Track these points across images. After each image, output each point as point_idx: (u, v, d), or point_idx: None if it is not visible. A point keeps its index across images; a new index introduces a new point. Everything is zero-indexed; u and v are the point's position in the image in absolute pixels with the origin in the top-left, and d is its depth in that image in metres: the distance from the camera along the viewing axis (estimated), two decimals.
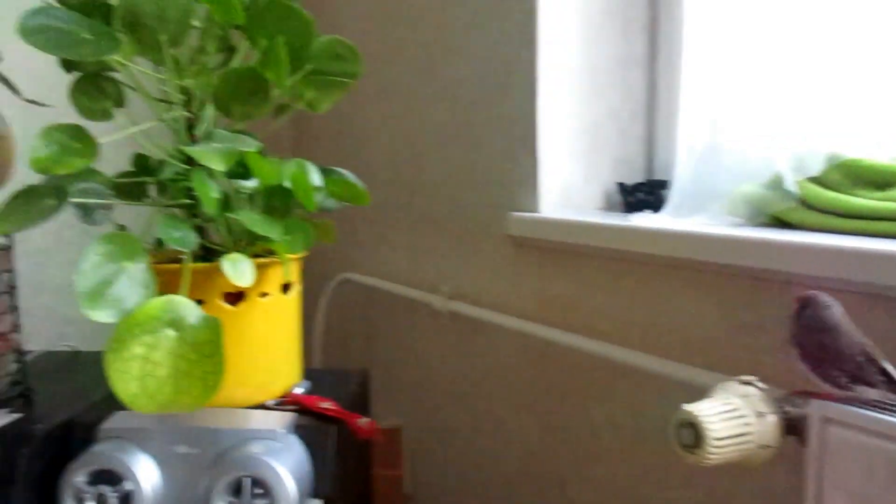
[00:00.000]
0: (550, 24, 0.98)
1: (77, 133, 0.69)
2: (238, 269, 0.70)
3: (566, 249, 0.95)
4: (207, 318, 0.67)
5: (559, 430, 1.00)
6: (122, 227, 0.76)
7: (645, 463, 0.89)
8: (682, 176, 0.88)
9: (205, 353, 0.66)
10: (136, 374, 0.65)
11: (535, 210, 0.99)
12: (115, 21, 0.71)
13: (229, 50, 0.83)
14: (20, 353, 0.81)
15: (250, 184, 0.81)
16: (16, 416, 0.77)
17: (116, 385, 0.64)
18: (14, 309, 0.80)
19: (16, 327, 0.80)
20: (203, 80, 0.79)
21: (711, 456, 0.58)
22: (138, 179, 0.79)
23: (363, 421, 0.74)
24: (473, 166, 1.10)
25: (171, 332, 0.66)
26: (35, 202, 0.69)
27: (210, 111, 0.79)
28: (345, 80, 0.82)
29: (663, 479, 0.86)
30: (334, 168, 0.85)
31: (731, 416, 0.60)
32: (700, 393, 0.67)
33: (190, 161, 0.78)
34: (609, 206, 1.04)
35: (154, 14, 0.71)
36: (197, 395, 0.66)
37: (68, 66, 0.80)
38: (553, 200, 0.99)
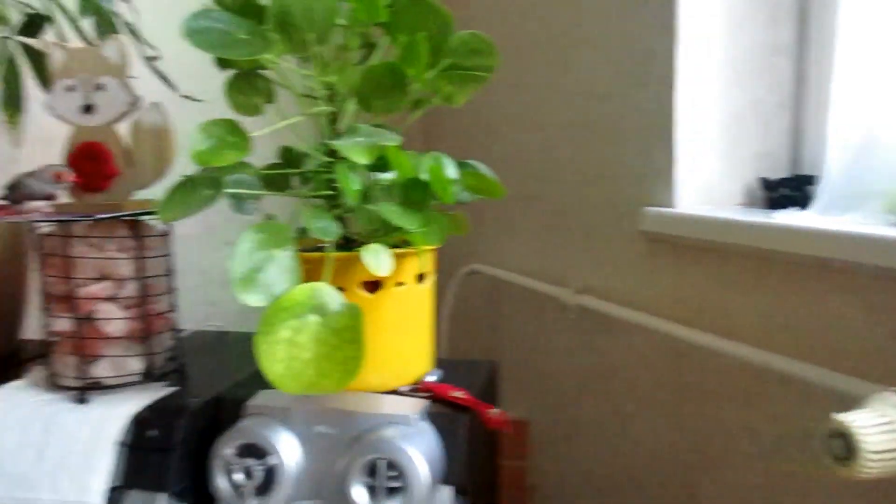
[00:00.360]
0: (691, 11, 0.95)
1: (232, 128, 0.74)
2: (377, 259, 0.72)
3: (704, 247, 0.92)
4: (348, 306, 0.69)
5: (691, 432, 0.98)
6: (270, 217, 0.81)
7: (784, 472, 0.85)
8: (833, 172, 0.84)
9: (346, 339, 0.69)
10: (282, 357, 0.68)
11: (670, 205, 0.96)
12: (267, 21, 0.75)
13: (370, 46, 0.86)
14: (176, 331, 0.88)
15: (388, 176, 0.84)
16: (172, 389, 0.83)
17: (264, 365, 0.68)
18: (171, 290, 0.86)
19: (173, 307, 0.86)
20: (345, 76, 0.82)
21: (866, 470, 0.55)
22: (284, 171, 0.83)
23: (494, 411, 0.75)
24: (605, 159, 1.09)
25: (314, 318, 0.69)
26: (193, 192, 0.74)
27: (351, 106, 0.82)
28: (481, 74, 0.82)
29: (803, 491, 0.82)
30: (468, 161, 0.86)
31: (888, 428, 0.56)
32: (848, 402, 0.63)
33: (333, 154, 0.82)
34: (750, 202, 1.00)
35: (302, 14, 0.74)
36: (337, 379, 0.69)
37: (223, 64, 0.85)
38: (690, 196, 0.96)
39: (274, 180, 0.85)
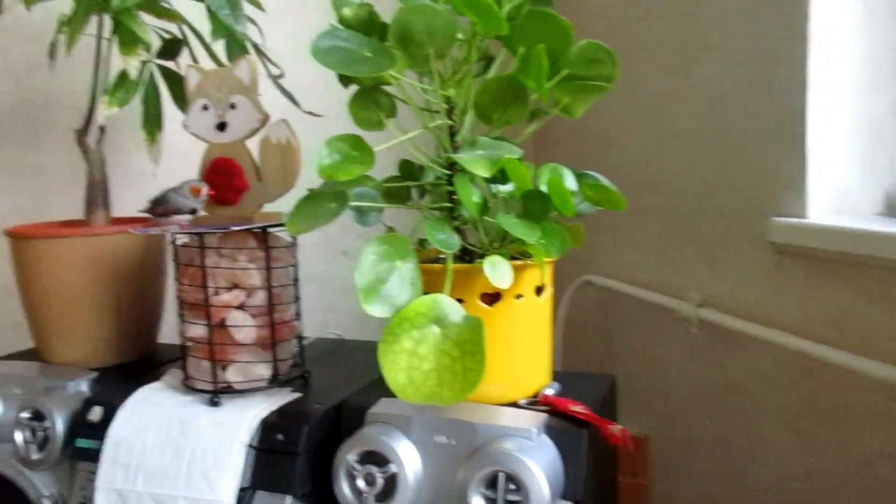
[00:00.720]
0: (824, 12, 0.90)
1: (356, 143, 0.76)
2: (497, 271, 0.72)
3: (839, 259, 0.87)
4: (469, 318, 0.70)
5: (824, 454, 0.92)
6: (391, 229, 0.82)
7: None
8: None
9: (466, 350, 0.69)
10: (404, 366, 0.70)
11: (802, 215, 0.91)
12: (389, 38, 0.77)
13: (487, 59, 0.87)
14: (300, 338, 0.91)
15: (506, 188, 0.84)
16: (297, 394, 0.86)
17: (387, 374, 0.69)
18: (296, 299, 0.90)
19: (297, 315, 0.90)
20: (464, 89, 0.83)
21: None
22: (404, 184, 0.85)
23: (615, 427, 0.74)
24: (729, 167, 1.04)
25: (436, 329, 0.70)
26: (319, 205, 0.76)
27: (469, 118, 0.83)
28: (600, 84, 0.81)
29: None
30: (586, 171, 0.85)
31: None
32: None
33: (451, 166, 0.83)
34: (890, 212, 0.93)
35: (424, 30, 0.76)
36: (457, 390, 0.69)
37: (346, 81, 0.88)
38: (824, 205, 0.91)
39: (394, 193, 0.87)
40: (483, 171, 0.69)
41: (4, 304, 1.35)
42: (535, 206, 0.76)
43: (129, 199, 1.36)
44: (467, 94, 0.82)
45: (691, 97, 1.11)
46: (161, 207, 0.84)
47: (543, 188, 0.79)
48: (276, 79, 1.05)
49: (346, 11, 0.80)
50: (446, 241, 0.74)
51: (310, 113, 1.07)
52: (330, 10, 1.29)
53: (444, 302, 0.71)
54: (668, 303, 1.17)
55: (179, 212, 0.83)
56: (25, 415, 0.92)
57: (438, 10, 0.75)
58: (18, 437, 0.92)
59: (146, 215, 0.87)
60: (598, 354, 1.42)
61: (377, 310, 0.70)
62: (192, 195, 0.84)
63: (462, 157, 0.71)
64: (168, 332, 1.12)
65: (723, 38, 1.04)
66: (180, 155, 1.26)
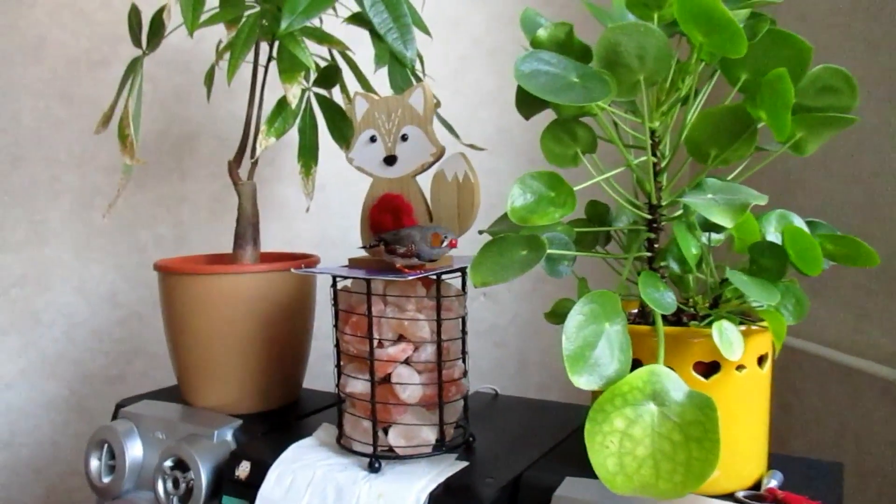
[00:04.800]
0: None
1: (554, 181, 0.66)
2: (727, 339, 0.60)
3: None
4: (696, 396, 0.58)
5: None
6: (583, 281, 0.72)
7: None
8: None
9: (691, 436, 0.57)
10: (614, 451, 0.58)
11: None
12: (594, 62, 0.67)
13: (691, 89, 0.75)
14: (465, 399, 0.81)
15: (717, 237, 0.72)
16: (463, 464, 0.76)
17: (594, 458, 0.58)
18: (464, 353, 0.80)
19: (465, 373, 0.80)
20: (671, 121, 0.72)
21: None
22: (600, 229, 0.74)
23: None
24: None
25: (653, 407, 0.59)
26: (509, 253, 0.67)
27: (669, 154, 0.72)
28: (844, 116, 0.68)
29: None
30: (817, 220, 0.71)
31: None
32: None
33: (653, 210, 0.71)
34: None
35: (635, 53, 0.65)
36: (678, 483, 0.57)
37: (528, 112, 0.78)
38: None
39: (580, 238, 0.77)
40: (725, 221, 0.57)
41: (137, 332, 1.33)
42: (768, 261, 0.63)
43: (272, 233, 1.32)
44: (678, 126, 0.71)
45: None
46: (402, 247, 0.73)
47: (772, 238, 0.66)
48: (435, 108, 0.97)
49: (542, 33, 0.70)
50: (661, 300, 0.62)
51: (470, 146, 0.99)
52: (480, 35, 1.20)
53: (663, 374, 0.59)
54: (869, 368, 1.00)
55: (419, 257, 0.73)
56: (169, 463, 0.86)
57: (653, 31, 0.65)
58: (160, 486, 0.86)
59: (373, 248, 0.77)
60: (805, 431, 1.25)
61: (583, 381, 0.59)
62: (433, 243, 0.73)
63: (696, 202, 0.59)
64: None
65: None
66: (322, 187, 1.19)
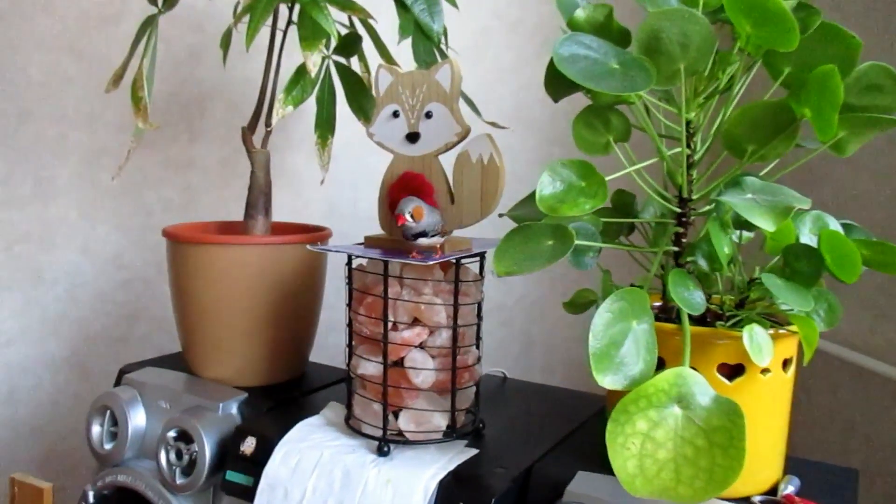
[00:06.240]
0: None
1: (585, 170, 0.64)
2: (757, 344, 0.59)
3: None
4: (723, 402, 0.56)
5: None
6: (607, 273, 0.70)
7: None
8: None
9: (715, 441, 0.56)
10: (635, 452, 0.57)
11: None
12: (634, 47, 0.64)
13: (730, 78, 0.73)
14: (477, 385, 0.79)
15: (748, 234, 0.70)
16: (473, 451, 0.75)
17: (615, 460, 0.57)
18: (479, 339, 0.78)
19: (479, 359, 0.78)
20: (707, 113, 0.69)
21: None
22: (627, 220, 0.72)
23: None
24: None
25: (677, 411, 0.57)
26: (534, 242, 0.64)
27: (702, 148, 0.69)
28: (883, 117, 0.66)
29: None
30: (851, 222, 0.69)
31: None
32: None
33: (683, 203, 0.69)
34: None
35: (677, 40, 0.62)
36: (698, 489, 0.56)
37: (556, 94, 0.76)
38: None
39: (605, 228, 0.75)
40: (767, 224, 0.55)
41: (141, 295, 1.31)
42: (803, 265, 0.61)
43: (281, 201, 1.30)
44: (715, 119, 0.68)
45: None
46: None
47: (807, 241, 0.64)
48: None
49: (580, 14, 0.67)
50: (690, 300, 0.61)
51: (492, 123, 0.96)
52: (501, 8, 1.16)
53: (689, 377, 0.57)
54: (883, 369, 0.99)
55: (426, 236, 0.72)
56: (172, 434, 0.85)
57: (697, 17, 0.62)
58: (163, 457, 0.85)
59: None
60: (824, 437, 1.23)
61: (608, 380, 0.57)
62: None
63: (735, 202, 0.57)
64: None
65: None
66: (334, 157, 1.17)
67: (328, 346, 1.22)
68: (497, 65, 1.37)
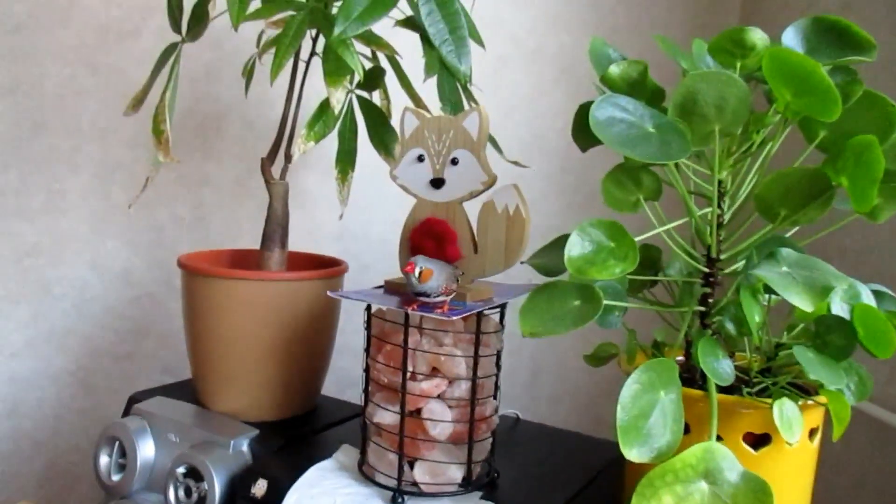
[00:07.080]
0: None
1: (615, 231, 0.63)
2: (787, 418, 0.58)
3: None
4: (752, 479, 0.55)
5: None
6: (632, 333, 0.69)
7: None
8: None
9: None
10: None
11: None
12: (669, 108, 0.63)
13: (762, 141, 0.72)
14: (494, 434, 0.78)
15: (776, 298, 0.69)
16: (487, 503, 0.74)
17: None
18: (497, 389, 0.77)
19: (496, 410, 0.77)
20: (739, 174, 0.68)
21: None
22: (654, 278, 0.71)
23: None
24: None
25: (704, 486, 0.56)
26: (560, 302, 0.64)
27: (731, 209, 0.68)
28: None
29: None
30: (882, 289, 0.68)
31: None
32: None
33: (711, 263, 0.68)
34: None
35: (713, 102, 0.62)
36: None
37: (586, 145, 0.75)
38: None
39: (630, 284, 0.74)
40: (804, 304, 0.54)
41: (149, 312, 1.30)
42: (836, 339, 0.60)
43: (294, 223, 1.28)
44: (743, 180, 0.68)
45: None
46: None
47: (838, 310, 0.63)
48: None
49: (614, 70, 0.67)
50: (719, 370, 0.60)
51: (514, 163, 0.95)
52: (521, 36, 1.13)
53: (718, 453, 0.56)
54: None
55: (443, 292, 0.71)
56: (181, 470, 0.84)
57: (735, 81, 0.61)
58: (171, 493, 0.84)
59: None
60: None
61: (634, 453, 0.56)
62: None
63: (770, 277, 0.56)
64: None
65: None
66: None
67: (336, 369, 1.20)
68: (514, 92, 1.36)
